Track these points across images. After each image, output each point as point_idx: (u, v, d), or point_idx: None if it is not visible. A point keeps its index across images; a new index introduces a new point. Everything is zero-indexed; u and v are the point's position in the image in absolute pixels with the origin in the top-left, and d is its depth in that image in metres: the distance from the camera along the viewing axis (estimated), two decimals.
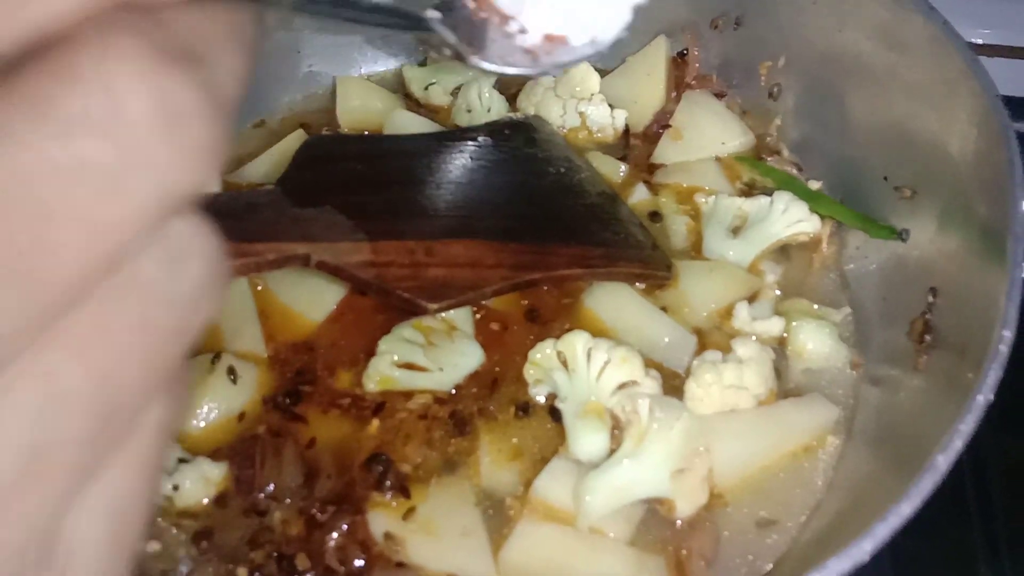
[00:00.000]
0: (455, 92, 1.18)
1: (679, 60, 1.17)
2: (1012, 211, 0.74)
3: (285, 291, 0.98)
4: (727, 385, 0.87)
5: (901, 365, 0.87)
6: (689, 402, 0.87)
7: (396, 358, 0.92)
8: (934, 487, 0.58)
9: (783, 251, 1.02)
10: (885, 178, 0.96)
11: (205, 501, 0.84)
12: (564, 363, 0.90)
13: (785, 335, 0.95)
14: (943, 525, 0.63)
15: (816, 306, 0.98)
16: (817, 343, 0.94)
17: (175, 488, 0.82)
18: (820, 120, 1.06)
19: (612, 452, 0.85)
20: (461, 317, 0.96)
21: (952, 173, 0.85)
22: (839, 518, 0.78)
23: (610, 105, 1.14)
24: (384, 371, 0.91)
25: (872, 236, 0.98)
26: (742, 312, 0.96)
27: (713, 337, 0.95)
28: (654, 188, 1.09)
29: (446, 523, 0.83)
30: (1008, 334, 0.68)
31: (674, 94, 1.16)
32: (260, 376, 0.93)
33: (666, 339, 0.93)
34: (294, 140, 1.13)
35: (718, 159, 1.11)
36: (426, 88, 1.20)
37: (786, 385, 0.92)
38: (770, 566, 0.80)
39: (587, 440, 0.86)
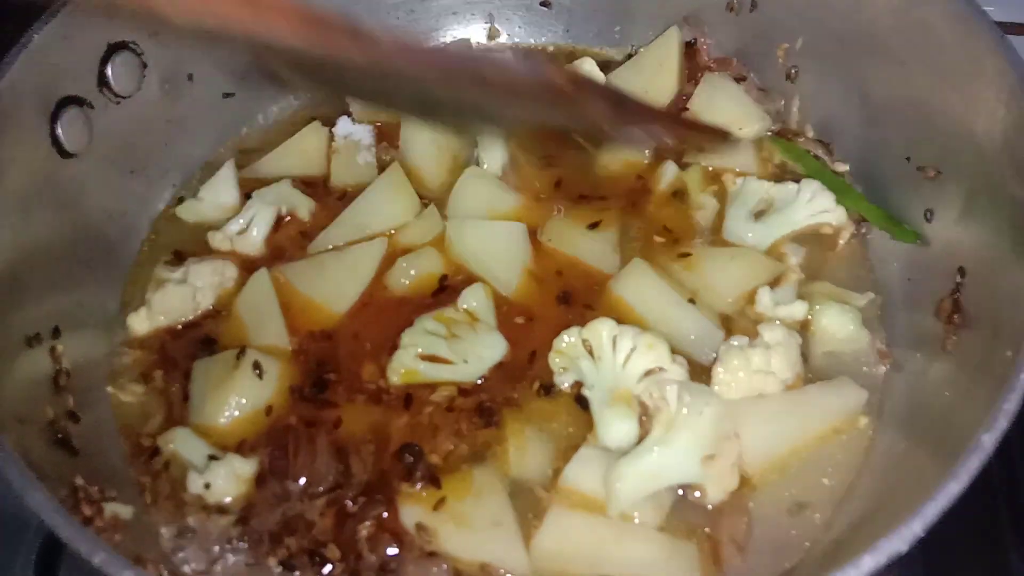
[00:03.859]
0: None
1: (690, 49, 1.15)
2: None
3: (307, 283, 0.97)
4: (755, 370, 0.87)
5: (929, 346, 0.86)
6: (717, 387, 0.87)
7: (420, 350, 0.91)
8: (981, 466, 0.58)
9: (807, 233, 1.02)
10: (908, 158, 0.95)
11: (228, 500, 0.83)
12: (590, 351, 0.90)
13: (809, 318, 0.95)
14: (971, 511, 0.63)
15: (840, 289, 0.97)
16: (839, 326, 0.93)
17: (207, 486, 0.82)
18: (839, 101, 1.05)
19: (641, 439, 0.85)
20: (484, 309, 0.95)
21: (978, 153, 0.84)
22: (875, 500, 0.78)
23: None
24: (408, 364, 0.91)
25: (895, 238, 0.97)
26: (764, 297, 0.95)
27: (738, 323, 0.95)
28: (683, 166, 1.07)
29: (477, 513, 0.82)
30: None
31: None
32: (285, 369, 0.92)
33: (692, 336, 0.92)
34: (309, 133, 1.12)
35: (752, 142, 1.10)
36: None
37: (810, 369, 0.91)
38: (805, 547, 0.80)
39: (616, 427, 0.85)
